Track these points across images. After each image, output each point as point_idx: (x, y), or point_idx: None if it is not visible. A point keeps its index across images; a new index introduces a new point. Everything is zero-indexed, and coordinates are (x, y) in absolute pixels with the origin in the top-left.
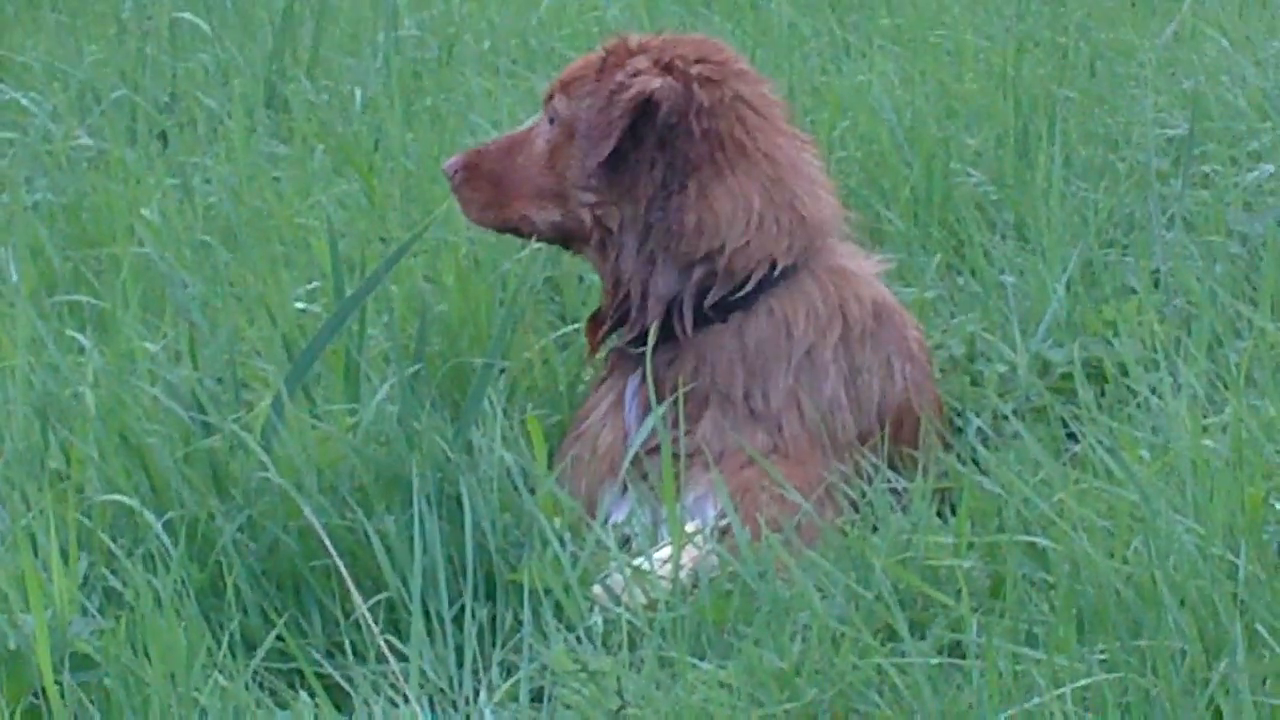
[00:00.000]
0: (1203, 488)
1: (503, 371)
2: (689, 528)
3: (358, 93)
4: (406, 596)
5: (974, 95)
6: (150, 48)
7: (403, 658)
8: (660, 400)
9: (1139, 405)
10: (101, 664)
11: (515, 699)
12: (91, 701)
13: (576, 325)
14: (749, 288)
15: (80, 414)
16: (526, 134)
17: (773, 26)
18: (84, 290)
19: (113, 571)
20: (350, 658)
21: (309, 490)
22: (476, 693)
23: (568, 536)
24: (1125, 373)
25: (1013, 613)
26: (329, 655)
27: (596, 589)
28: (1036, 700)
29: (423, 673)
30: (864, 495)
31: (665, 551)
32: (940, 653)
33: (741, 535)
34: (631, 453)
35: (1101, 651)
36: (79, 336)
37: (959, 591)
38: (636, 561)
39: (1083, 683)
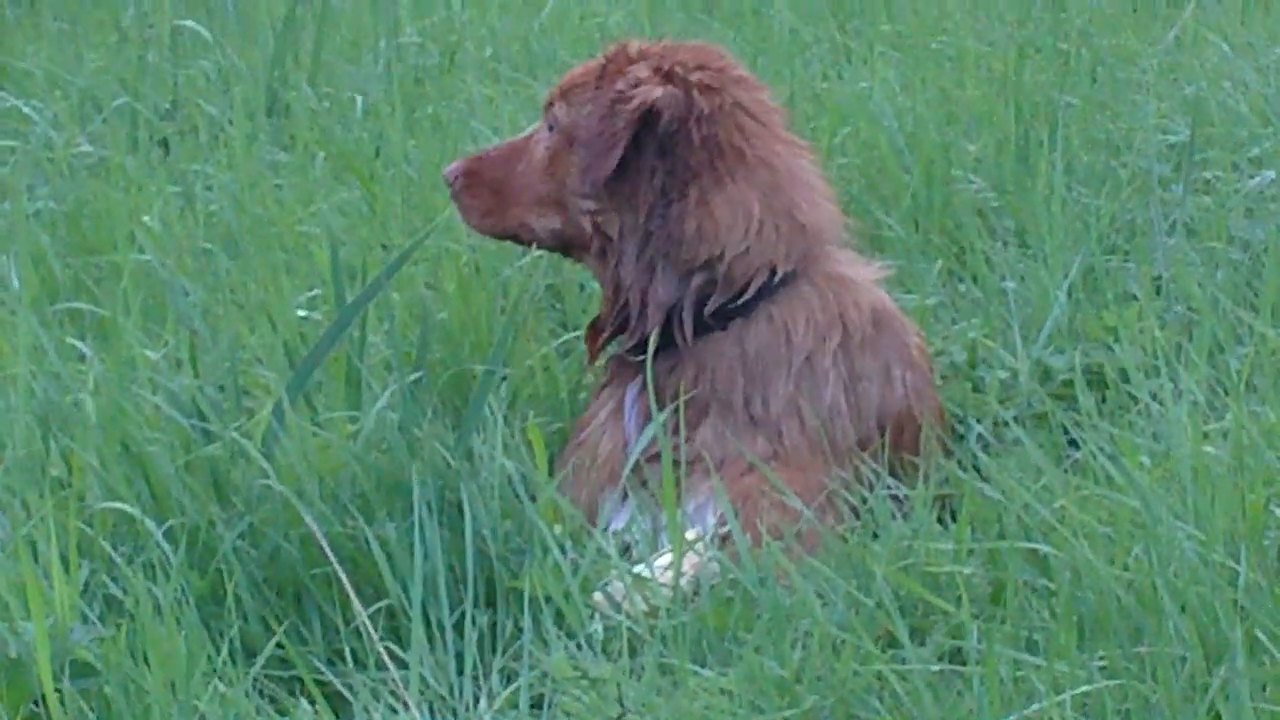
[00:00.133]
0: (1203, 494)
1: (504, 379)
2: (689, 535)
3: (359, 100)
4: (407, 604)
5: (975, 101)
6: (151, 55)
7: (403, 665)
8: (660, 407)
9: (1140, 411)
10: (102, 671)
11: (515, 706)
12: (92, 709)
13: (577, 333)
14: (749, 295)
15: (81, 422)
16: (527, 141)
17: (773, 33)
18: (85, 298)
19: (113, 579)
20: (351, 665)
21: (310, 498)
22: (477, 700)
23: (568, 544)
24: (1126, 379)
25: (1013, 619)
26: (329, 663)
27: (597, 596)
28: (1037, 706)
29: (423, 680)
30: (864, 502)
31: (666, 558)
32: (941, 659)
33: (742, 542)
34: (632, 460)
35: (1102, 658)
36: (80, 344)
37: (959, 598)
38: (637, 569)
39: (1083, 689)
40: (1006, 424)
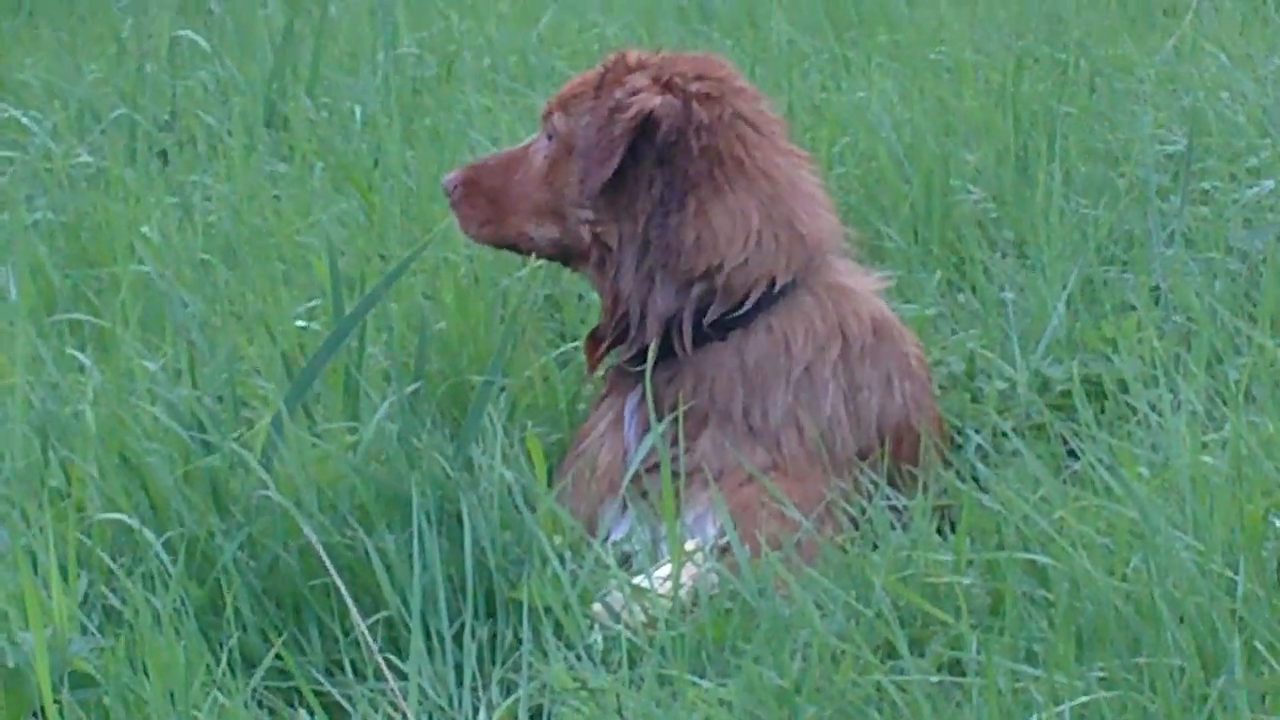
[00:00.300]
0: (1202, 505)
1: (502, 389)
2: (689, 545)
3: (357, 110)
4: (406, 614)
5: (973, 112)
6: (150, 66)
7: (402, 676)
8: (660, 418)
9: (1138, 422)
10: (101, 682)
11: (515, 717)
12: (90, 719)
13: (576, 343)
14: (748, 305)
15: (80, 433)
16: (525, 150)
17: (772, 44)
18: (84, 309)
19: (112, 590)
20: (350, 676)
21: (309, 508)
22: (476, 711)
23: (568, 554)
24: (1125, 389)
25: (1012, 630)
26: (328, 673)
27: (596, 607)
28: (1036, 718)
29: (422, 691)
30: (863, 512)
31: (665, 569)
32: (940, 670)
33: (741, 553)
34: (631, 471)
35: (1100, 669)
36: (79, 355)
37: (958, 609)
38: (636, 579)
39: (1082, 700)
40: (1005, 434)
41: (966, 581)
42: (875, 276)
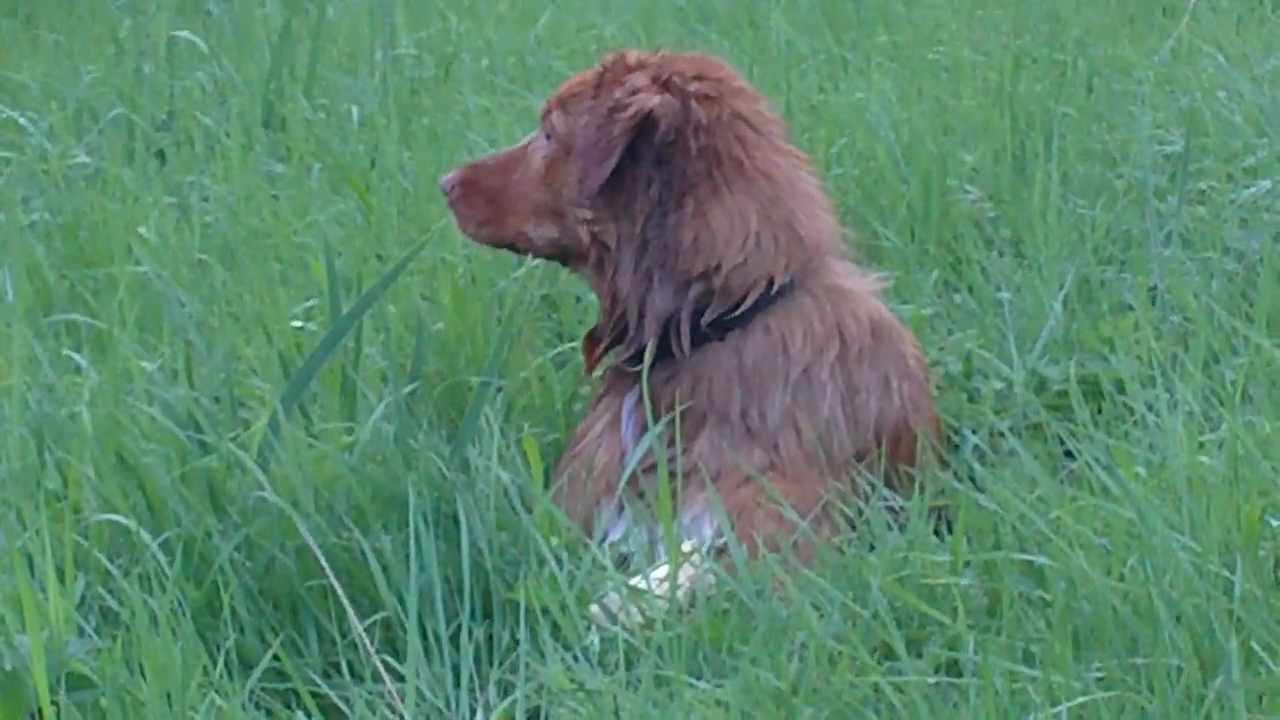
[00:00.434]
0: (1199, 505)
1: (499, 390)
2: (686, 546)
3: (355, 111)
4: (403, 616)
5: (971, 112)
6: (148, 67)
7: (399, 677)
8: (657, 418)
9: (1135, 422)
10: (98, 684)
11: (512, 718)
12: None
13: (573, 343)
14: (746, 306)
15: (77, 434)
16: (524, 150)
17: (770, 44)
18: (81, 309)
19: (109, 591)
20: (347, 677)
21: (305, 509)
22: (473, 712)
23: (565, 556)
24: (1122, 390)
25: (1009, 631)
26: (325, 675)
27: (593, 608)
28: (1033, 718)
29: (419, 692)
30: (861, 513)
31: (662, 570)
32: (937, 671)
33: (738, 554)
34: (628, 471)
35: (1098, 669)
36: (75, 356)
37: (955, 609)
38: (633, 580)
39: (1079, 700)
40: (1002, 435)
41: (964, 582)
42: (873, 277)
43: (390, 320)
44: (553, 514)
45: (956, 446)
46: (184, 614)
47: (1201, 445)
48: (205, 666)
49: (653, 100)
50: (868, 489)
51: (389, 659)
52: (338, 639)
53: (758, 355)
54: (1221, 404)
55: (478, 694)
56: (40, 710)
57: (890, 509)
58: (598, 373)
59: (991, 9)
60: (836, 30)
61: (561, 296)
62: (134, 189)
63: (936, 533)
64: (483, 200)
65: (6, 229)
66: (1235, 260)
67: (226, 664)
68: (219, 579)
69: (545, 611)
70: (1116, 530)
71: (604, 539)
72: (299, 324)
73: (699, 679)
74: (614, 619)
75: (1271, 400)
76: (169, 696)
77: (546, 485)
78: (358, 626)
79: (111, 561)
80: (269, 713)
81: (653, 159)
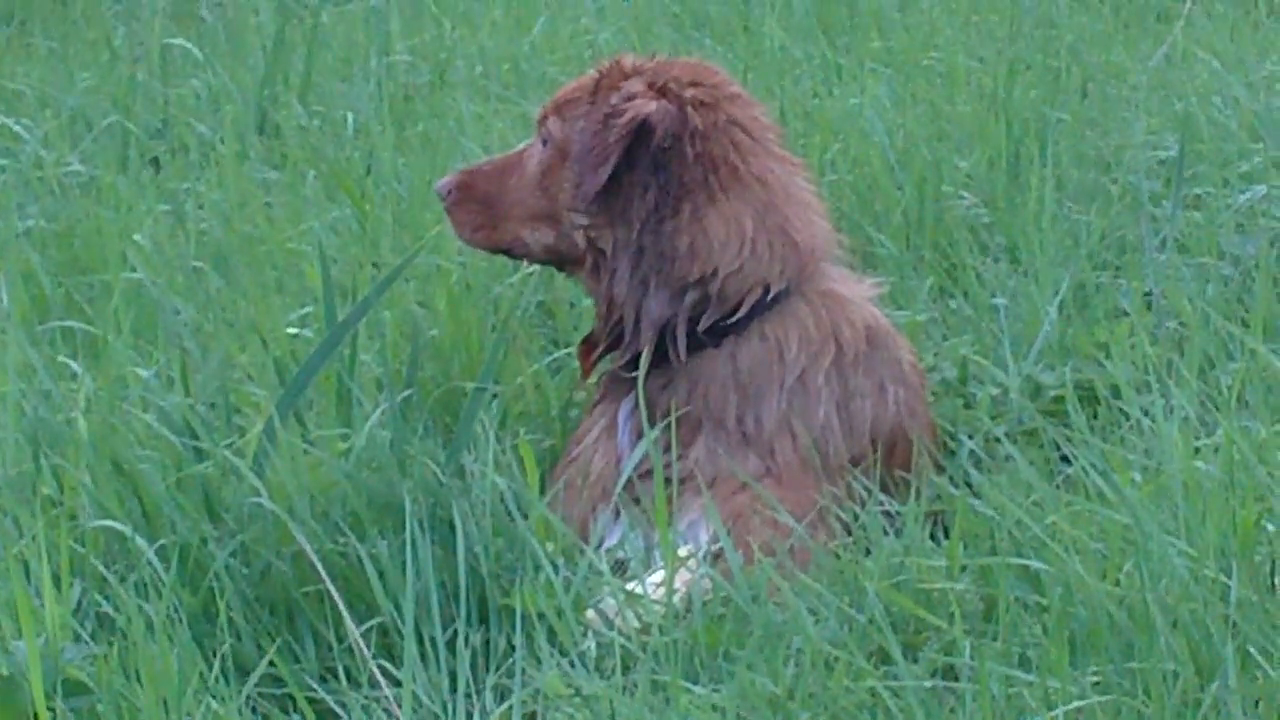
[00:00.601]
0: (1195, 510)
1: (495, 396)
2: (682, 552)
3: (349, 118)
4: (399, 621)
5: (966, 118)
6: (142, 74)
7: (396, 683)
8: (653, 424)
9: (1131, 427)
10: (94, 690)
11: None
12: None
13: (568, 349)
14: (742, 312)
15: (72, 440)
16: (520, 155)
17: (764, 49)
18: (76, 316)
19: (105, 597)
20: (343, 683)
21: (301, 515)
22: (469, 718)
23: (561, 561)
24: (1117, 395)
25: (1005, 635)
26: (322, 680)
27: (590, 613)
28: None
29: (416, 698)
30: (856, 518)
31: (658, 576)
32: (933, 676)
33: (734, 559)
34: (624, 477)
35: (1094, 674)
36: (71, 363)
37: (951, 614)
38: (630, 586)
39: (1075, 705)
40: (998, 440)
41: (959, 587)
42: (868, 283)
43: (385, 327)
44: (549, 520)
45: (952, 452)
46: (180, 620)
47: (1197, 451)
48: (201, 672)
49: (649, 106)
50: (863, 494)
51: (385, 664)
52: (334, 645)
53: (753, 361)
54: (1217, 409)
55: (474, 699)
56: (37, 716)
57: (886, 514)
58: (593, 379)
59: (986, 15)
60: (831, 36)
61: (557, 303)
62: (128, 196)
63: (932, 538)
64: (478, 205)
65: (2, 236)
66: (1231, 265)
67: (222, 670)
68: (215, 585)
69: (541, 617)
70: (1112, 535)
71: (600, 545)
72: (294, 331)
73: (695, 684)
74: (610, 624)
75: (1267, 405)
76: (165, 703)
77: (542, 491)
78: (354, 632)
79: (107, 568)
80: (265, 718)
81: (649, 165)
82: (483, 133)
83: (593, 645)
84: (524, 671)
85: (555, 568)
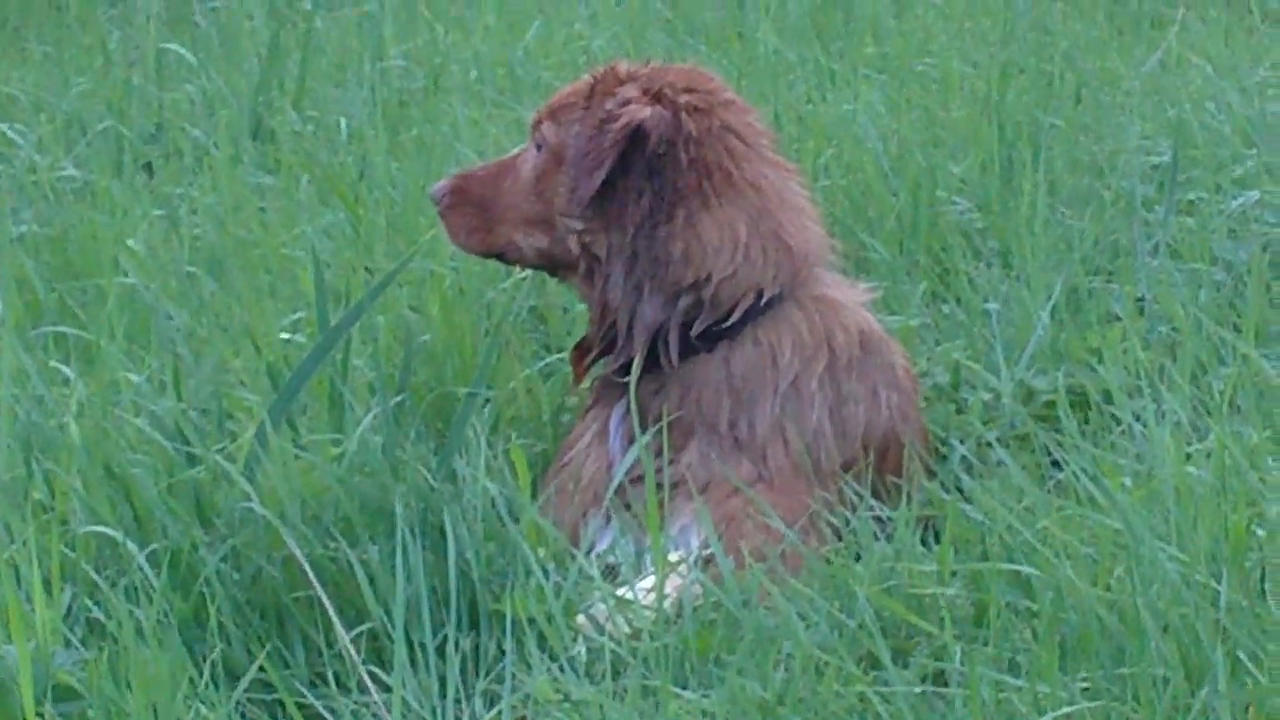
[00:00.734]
0: (1186, 515)
1: (487, 401)
2: (673, 557)
3: (343, 123)
4: (390, 626)
5: (959, 123)
6: (137, 79)
7: (386, 688)
8: (645, 429)
9: (1123, 432)
10: (85, 695)
11: None
12: None
13: (561, 354)
14: (735, 317)
15: (64, 445)
16: (514, 160)
17: (758, 55)
18: (69, 321)
19: (96, 603)
20: (333, 688)
21: (292, 520)
22: None
23: (551, 566)
24: (1109, 400)
25: (996, 640)
26: (312, 685)
27: (580, 618)
28: None
29: (405, 703)
30: (848, 523)
31: (649, 581)
32: (923, 681)
33: (725, 564)
34: (616, 482)
35: (1084, 679)
36: (64, 368)
37: (942, 619)
38: (620, 591)
39: (1065, 710)
40: (989, 445)
41: (950, 592)
42: (861, 288)
43: (378, 331)
44: (540, 525)
45: (944, 457)
46: (170, 625)
47: (1189, 456)
48: (191, 678)
49: (644, 112)
50: (855, 499)
51: (375, 670)
52: (324, 650)
53: (746, 366)
54: (1209, 414)
55: (464, 705)
56: None
57: (877, 519)
58: (585, 384)
59: (980, 20)
60: (824, 41)
61: (549, 308)
62: (122, 201)
63: (923, 543)
64: (472, 209)
65: None
66: (1223, 271)
67: (213, 675)
68: (205, 590)
69: (532, 622)
70: (1103, 540)
71: (591, 550)
72: (287, 336)
73: (685, 689)
74: (601, 629)
75: (1259, 411)
76: (155, 708)
77: (534, 496)
78: (344, 637)
79: (98, 573)
80: None
81: (644, 170)
82: (477, 138)
83: (583, 650)
84: (514, 676)
85: (546, 573)
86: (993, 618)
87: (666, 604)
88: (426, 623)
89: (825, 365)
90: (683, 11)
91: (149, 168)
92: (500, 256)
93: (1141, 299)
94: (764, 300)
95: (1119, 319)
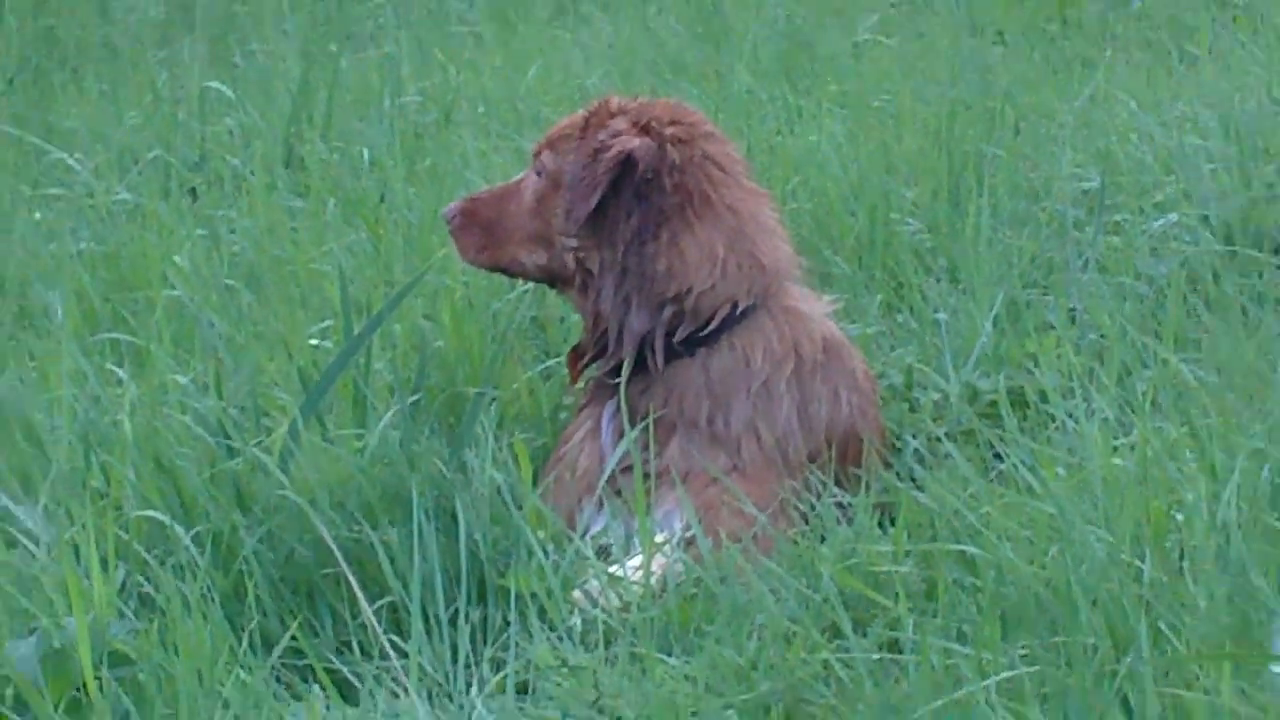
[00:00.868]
0: (1113, 501)
1: (493, 400)
2: (658, 539)
3: (366, 153)
4: (407, 600)
5: (912, 153)
6: (182, 114)
7: (404, 655)
8: (633, 426)
9: (1057, 428)
10: (136, 661)
11: (504, 691)
12: (127, 694)
13: (558, 358)
14: (713, 326)
15: (118, 439)
16: (517, 185)
17: (734, 92)
18: (122, 329)
19: (146, 579)
20: (357, 655)
21: (321, 506)
22: (469, 686)
23: (550, 547)
24: (1045, 399)
25: (944, 613)
26: (338, 653)
27: (576, 593)
28: (965, 691)
29: (421, 668)
30: (813, 509)
31: (637, 560)
32: (880, 649)
33: (705, 545)
34: (607, 472)
35: (1022, 647)
36: (117, 370)
37: (897, 594)
38: (612, 569)
39: (1005, 675)
40: (939, 440)
41: (904, 570)
42: (825, 300)
43: (397, 339)
44: (540, 510)
45: (899, 450)
46: (213, 600)
47: (1115, 449)
48: (231, 646)
49: (633, 142)
50: (819, 488)
51: (395, 639)
52: (349, 621)
53: (723, 369)
54: (1133, 412)
55: (473, 670)
56: (85, 685)
57: (839, 505)
58: (581, 385)
59: (930, 61)
60: (792, 80)
61: (548, 317)
62: (169, 222)
63: (880, 526)
64: (480, 229)
65: (57, 257)
66: (1146, 285)
67: (250, 644)
68: (244, 568)
69: (533, 596)
70: (1039, 524)
71: (585, 532)
72: (316, 342)
73: (670, 656)
74: (594, 603)
75: (1177, 409)
76: (199, 673)
77: (535, 485)
78: (367, 610)
79: (149, 552)
80: (288, 687)
81: (632, 194)
82: (484, 166)
83: (579, 622)
84: (518, 645)
85: (546, 553)
86: (942, 593)
87: (653, 581)
88: (440, 597)
89: (793, 369)
90: (667, 53)
91: (193, 192)
92: (504, 271)
93: (1073, 310)
94: (739, 311)
95: (1053, 328)
